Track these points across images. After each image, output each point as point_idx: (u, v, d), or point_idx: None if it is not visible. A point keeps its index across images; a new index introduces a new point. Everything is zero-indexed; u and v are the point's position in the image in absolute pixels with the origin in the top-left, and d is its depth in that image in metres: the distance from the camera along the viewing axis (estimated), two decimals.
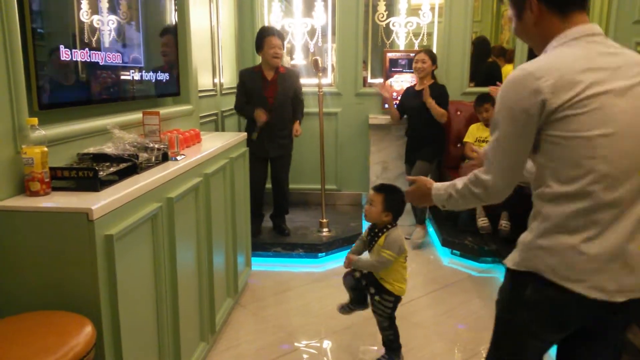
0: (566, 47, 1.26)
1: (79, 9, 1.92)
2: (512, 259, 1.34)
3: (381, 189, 2.45)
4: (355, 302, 2.60)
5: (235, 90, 3.91)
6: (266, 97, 3.69)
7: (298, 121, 3.92)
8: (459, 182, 1.42)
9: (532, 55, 1.37)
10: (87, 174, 1.63)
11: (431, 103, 3.92)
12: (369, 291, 2.48)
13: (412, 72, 4.36)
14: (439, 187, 1.52)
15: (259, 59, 3.87)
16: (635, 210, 1.21)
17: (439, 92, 4.01)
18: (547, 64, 1.22)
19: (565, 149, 1.20)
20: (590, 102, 1.18)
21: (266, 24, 4.69)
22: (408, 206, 4.14)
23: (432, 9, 4.53)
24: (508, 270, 1.35)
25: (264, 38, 3.64)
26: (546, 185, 1.25)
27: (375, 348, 2.60)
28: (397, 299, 2.44)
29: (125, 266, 1.59)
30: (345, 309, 2.62)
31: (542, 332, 1.33)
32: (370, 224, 2.50)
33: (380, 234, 2.40)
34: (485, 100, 4.06)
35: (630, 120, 1.19)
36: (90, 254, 1.46)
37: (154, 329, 1.85)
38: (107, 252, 1.51)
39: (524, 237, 1.32)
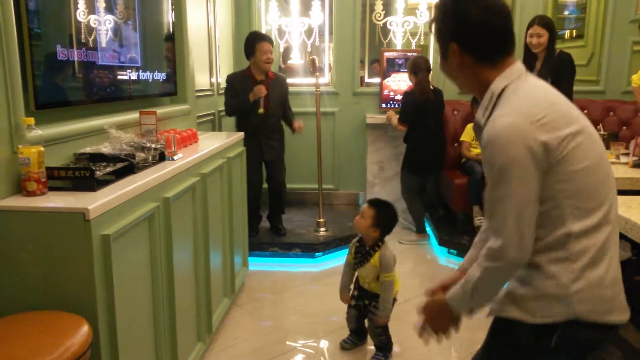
0: (520, 88, 1.23)
1: (76, 8, 1.92)
2: (529, 313, 1.23)
3: (374, 204, 2.48)
4: (358, 335, 2.63)
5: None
6: (264, 105, 3.68)
7: (295, 120, 3.93)
8: (476, 271, 1.25)
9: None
10: (83, 174, 1.63)
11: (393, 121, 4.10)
12: (364, 302, 2.49)
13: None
14: (453, 291, 1.32)
15: None
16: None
17: (403, 98, 4.09)
18: (528, 105, 1.18)
19: (578, 182, 1.18)
20: (581, 132, 1.19)
21: (263, 24, 4.69)
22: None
23: (430, 8, 4.53)
24: (520, 323, 1.25)
25: (256, 44, 3.64)
26: (565, 224, 1.19)
27: (372, 347, 2.61)
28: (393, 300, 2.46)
29: (121, 266, 1.59)
30: (349, 342, 2.63)
31: None
32: (355, 243, 2.53)
33: (372, 252, 2.43)
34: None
35: (598, 153, 1.22)
36: (87, 254, 1.45)
37: (150, 329, 1.85)
38: (104, 252, 1.50)
39: (547, 284, 1.22)
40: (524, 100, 1.20)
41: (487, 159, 1.19)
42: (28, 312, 1.46)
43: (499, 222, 1.18)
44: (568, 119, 1.18)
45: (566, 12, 5.62)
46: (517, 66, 1.27)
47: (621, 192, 2.15)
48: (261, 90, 3.58)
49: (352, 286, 2.58)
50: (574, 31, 5.45)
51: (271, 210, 4.08)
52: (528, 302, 1.23)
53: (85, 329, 1.36)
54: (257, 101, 3.60)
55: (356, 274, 2.55)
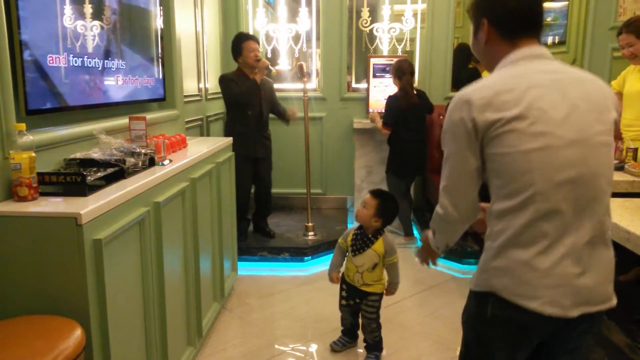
0: (506, 69, 1.32)
1: (64, 15, 1.94)
2: (472, 280, 1.36)
3: (377, 194, 2.52)
4: (349, 336, 2.66)
5: (219, 95, 3.93)
6: (257, 97, 3.77)
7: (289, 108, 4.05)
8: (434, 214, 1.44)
9: None
10: (74, 179, 1.64)
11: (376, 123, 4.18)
12: (355, 301, 2.52)
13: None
14: (430, 234, 1.53)
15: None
16: (582, 223, 1.23)
17: (387, 103, 4.16)
18: (483, 85, 1.28)
19: (503, 165, 1.24)
20: (524, 118, 1.21)
21: (251, 30, 4.73)
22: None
23: (415, 15, 4.60)
24: (470, 291, 1.38)
25: (242, 43, 3.74)
26: (493, 203, 1.30)
27: (361, 350, 2.64)
28: (381, 296, 2.52)
29: (113, 270, 1.61)
30: (339, 344, 2.65)
31: (508, 349, 1.33)
32: (355, 230, 2.54)
33: (374, 239, 2.46)
34: None
35: (565, 132, 1.22)
36: (79, 258, 1.47)
37: (141, 332, 1.86)
38: (96, 257, 1.52)
39: (481, 258, 1.34)
40: (490, 79, 1.30)
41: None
42: (21, 316, 1.46)
43: (443, 180, 1.35)
44: (512, 102, 1.22)
45: (549, 19, 5.73)
46: (525, 50, 1.32)
47: None
48: (264, 63, 3.70)
49: (343, 286, 2.59)
50: (557, 37, 5.56)
51: (258, 212, 4.10)
52: (478, 269, 1.36)
53: (78, 332, 1.37)
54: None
55: (342, 270, 2.57)
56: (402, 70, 3.96)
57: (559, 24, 5.55)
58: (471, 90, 1.28)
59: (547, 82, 1.26)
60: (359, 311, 2.57)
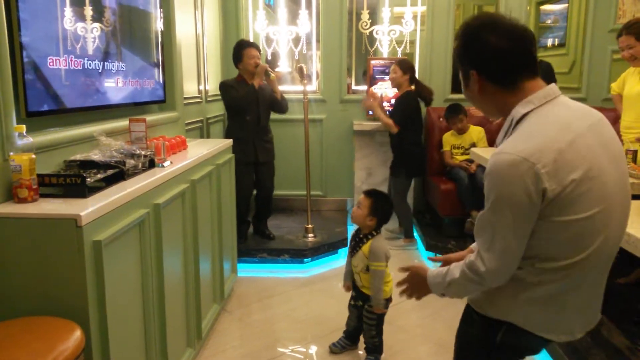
0: (538, 118, 1.22)
1: (64, 17, 1.94)
2: (485, 306, 1.34)
3: (370, 193, 2.52)
4: (350, 339, 2.66)
5: (219, 98, 3.93)
6: (254, 103, 3.77)
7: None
8: (456, 271, 1.32)
9: None
10: (74, 181, 1.65)
11: (378, 112, 4.06)
12: (360, 303, 2.52)
13: None
14: (435, 274, 1.41)
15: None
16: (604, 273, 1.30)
17: (397, 102, 4.11)
18: (540, 145, 1.15)
19: (565, 228, 1.17)
20: (590, 178, 1.16)
21: (251, 32, 4.74)
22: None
23: (415, 17, 4.61)
24: (478, 314, 1.36)
25: (242, 50, 3.78)
26: (538, 259, 1.23)
27: (361, 352, 2.64)
28: (385, 301, 2.49)
29: (113, 272, 1.61)
30: (338, 346, 2.65)
31: None
32: (355, 229, 2.55)
33: (365, 240, 2.45)
34: (458, 111, 4.18)
35: (617, 194, 1.22)
36: (79, 259, 1.47)
37: (141, 334, 1.86)
38: (96, 258, 1.52)
39: (504, 290, 1.28)
40: (534, 137, 1.17)
41: (486, 186, 1.22)
42: (21, 317, 1.47)
43: (486, 248, 1.23)
44: (576, 161, 1.14)
45: (548, 21, 5.74)
46: (543, 91, 1.24)
47: None
48: (262, 68, 3.71)
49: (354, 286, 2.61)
50: (556, 39, 5.58)
51: (258, 215, 4.11)
52: (483, 294, 1.34)
53: (77, 333, 1.38)
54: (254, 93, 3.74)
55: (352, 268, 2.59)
56: (409, 66, 4.03)
57: (559, 27, 5.56)
58: (529, 153, 1.13)
59: (584, 129, 1.19)
60: (359, 323, 2.57)
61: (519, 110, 1.24)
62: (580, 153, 1.15)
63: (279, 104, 3.93)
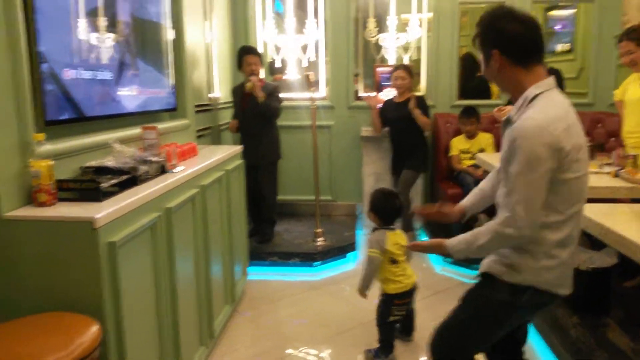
0: (550, 99, 1.52)
1: (79, 28, 2.03)
2: (512, 275, 1.59)
3: (373, 191, 2.72)
4: (402, 332, 2.78)
5: (230, 105, 4.05)
6: (243, 108, 4.02)
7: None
8: (484, 237, 1.58)
9: None
10: (90, 186, 1.73)
11: (417, 113, 4.08)
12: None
13: None
14: (455, 243, 1.69)
15: None
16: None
17: (420, 102, 4.18)
18: (554, 116, 1.47)
19: (566, 187, 1.50)
20: (582, 147, 1.51)
21: (259, 40, 4.84)
22: None
23: (421, 24, 4.66)
24: (502, 282, 1.61)
25: (243, 57, 3.98)
26: (545, 216, 1.51)
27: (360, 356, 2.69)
28: (388, 297, 2.58)
29: (127, 272, 1.69)
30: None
31: (516, 323, 1.74)
32: None
33: (369, 235, 2.64)
34: (472, 113, 4.22)
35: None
36: (94, 260, 1.55)
37: (155, 330, 1.94)
38: (110, 258, 1.60)
39: (525, 260, 1.57)
40: (551, 110, 1.49)
41: (513, 149, 1.48)
42: (41, 313, 1.55)
43: (516, 201, 1.48)
44: (579, 134, 1.52)
45: (557, 27, 5.77)
46: (550, 80, 1.57)
47: (602, 200, 2.26)
48: (231, 127, 4.04)
49: None
50: (566, 45, 5.60)
51: (259, 216, 4.20)
52: (507, 267, 1.60)
53: (94, 328, 1.46)
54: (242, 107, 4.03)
55: None
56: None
57: (567, 32, 5.59)
58: (550, 120, 1.45)
59: (575, 115, 1.55)
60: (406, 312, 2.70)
61: (532, 91, 1.54)
62: (577, 130, 1.52)
63: (262, 110, 3.93)
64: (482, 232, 1.59)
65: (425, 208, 2.08)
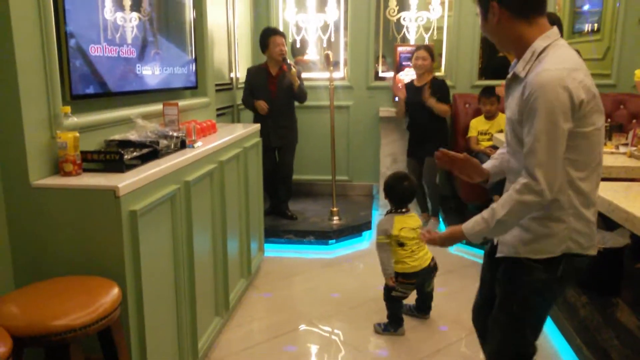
0: (561, 49, 1.44)
1: (105, 7, 2.11)
2: (542, 250, 1.51)
3: (387, 176, 2.77)
4: (417, 309, 2.87)
5: None
6: (270, 91, 4.00)
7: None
8: (502, 209, 1.47)
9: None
10: (113, 157, 1.82)
11: (432, 102, 4.08)
12: None
13: None
14: (472, 226, 1.57)
15: None
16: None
17: (439, 87, 4.16)
18: (572, 67, 1.39)
19: (585, 140, 1.42)
20: (597, 97, 1.42)
21: (280, 20, 4.87)
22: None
23: (442, 3, 4.63)
24: (536, 261, 1.52)
25: (269, 38, 3.96)
26: (567, 175, 1.44)
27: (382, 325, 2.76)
28: (397, 275, 2.65)
29: (147, 239, 1.78)
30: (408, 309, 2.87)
31: (561, 294, 1.72)
32: None
33: (379, 220, 2.71)
34: (492, 93, 4.19)
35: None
36: (117, 226, 1.65)
37: (172, 296, 2.04)
38: (132, 226, 1.70)
39: (551, 229, 1.48)
40: (567, 60, 1.41)
41: (529, 107, 1.39)
42: (67, 275, 1.66)
43: (536, 164, 1.39)
44: (593, 83, 1.42)
45: (585, 7, 5.65)
46: (555, 30, 1.47)
47: (618, 180, 2.27)
48: (262, 109, 3.94)
49: None
50: (594, 25, 5.49)
51: (277, 195, 4.28)
52: (535, 243, 1.51)
53: (115, 290, 1.55)
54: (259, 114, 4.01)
55: None
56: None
57: (595, 12, 5.47)
58: (568, 71, 1.37)
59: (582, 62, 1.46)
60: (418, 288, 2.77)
61: (540, 44, 1.44)
62: (590, 80, 1.42)
63: (297, 96, 4.06)
64: (500, 204, 1.48)
65: (450, 153, 1.85)
